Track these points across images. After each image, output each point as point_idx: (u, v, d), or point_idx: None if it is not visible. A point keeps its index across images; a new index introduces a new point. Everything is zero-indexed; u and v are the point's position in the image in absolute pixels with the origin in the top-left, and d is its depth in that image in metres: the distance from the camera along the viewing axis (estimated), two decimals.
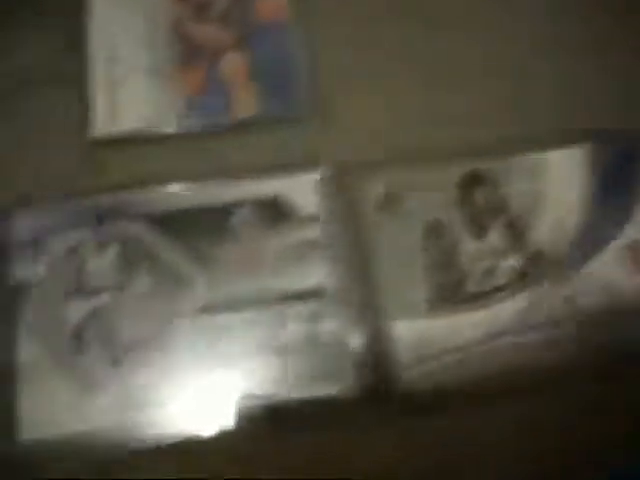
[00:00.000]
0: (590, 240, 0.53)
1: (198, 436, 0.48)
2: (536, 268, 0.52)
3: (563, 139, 0.55)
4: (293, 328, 0.51)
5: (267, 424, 0.48)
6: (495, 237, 0.53)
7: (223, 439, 0.48)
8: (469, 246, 0.52)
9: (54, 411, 0.50)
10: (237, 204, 0.54)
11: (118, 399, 0.50)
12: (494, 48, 0.59)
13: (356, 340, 0.50)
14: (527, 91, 0.58)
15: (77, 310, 0.52)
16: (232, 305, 0.51)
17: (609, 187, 0.55)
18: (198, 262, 0.52)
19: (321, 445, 0.48)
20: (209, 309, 0.51)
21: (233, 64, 0.57)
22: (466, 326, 0.51)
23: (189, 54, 0.57)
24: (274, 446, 0.48)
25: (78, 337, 0.51)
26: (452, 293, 0.51)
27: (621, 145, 0.56)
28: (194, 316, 0.51)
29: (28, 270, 0.53)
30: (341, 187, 0.53)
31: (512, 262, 0.52)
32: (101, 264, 0.53)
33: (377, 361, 0.50)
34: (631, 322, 0.51)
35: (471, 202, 0.54)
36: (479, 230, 0.53)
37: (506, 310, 0.51)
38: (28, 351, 0.51)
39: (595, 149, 0.55)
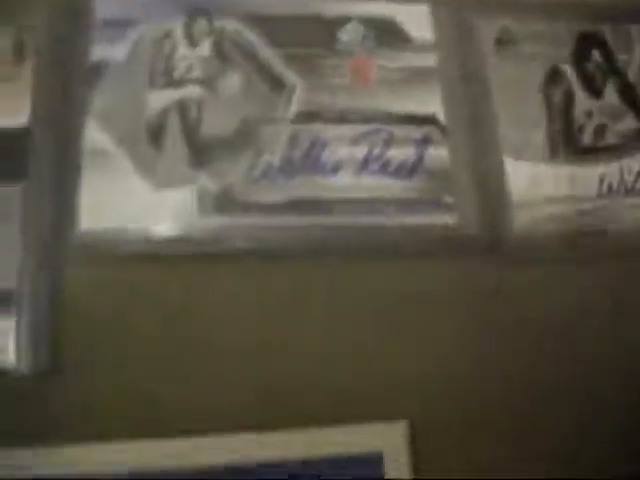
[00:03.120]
0: None
1: None
2: None
3: None
4: (400, 150, 0.47)
5: None
6: (610, 98, 0.50)
7: None
8: (584, 101, 0.50)
9: (118, 203, 0.44)
10: (345, 20, 0.50)
11: (190, 201, 0.45)
12: None
13: (466, 173, 0.47)
14: None
15: (160, 99, 0.47)
16: (334, 117, 0.47)
17: None
18: (300, 69, 0.48)
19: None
20: (308, 117, 0.47)
21: None
22: (582, 178, 0.48)
23: None
24: None
25: (157, 128, 0.46)
26: (569, 142, 0.48)
27: None
28: (289, 123, 0.47)
29: (108, 51, 0.47)
30: (459, 21, 0.50)
31: (626, 125, 0.50)
32: (193, 55, 0.48)
33: (490, 197, 0.46)
34: None
35: (588, 59, 0.51)
36: (594, 88, 0.50)
37: (620, 170, 0.48)
38: (97, 138, 0.45)
39: None
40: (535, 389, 0.44)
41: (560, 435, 0.43)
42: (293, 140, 0.46)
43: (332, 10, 0.50)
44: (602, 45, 0.52)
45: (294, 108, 0.47)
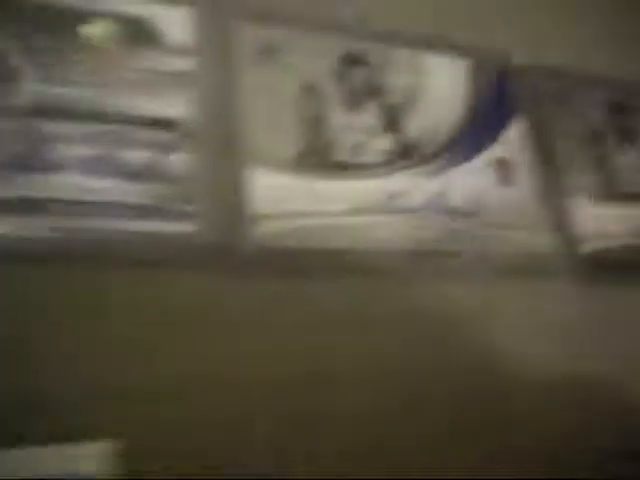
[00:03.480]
0: (464, 146, 0.52)
1: None
2: (406, 156, 0.50)
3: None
4: (138, 154, 0.44)
5: None
6: (369, 116, 0.50)
7: None
8: (340, 117, 0.49)
9: None
10: (97, 15, 0.47)
11: None
12: None
13: (207, 182, 0.45)
14: None
15: None
16: (68, 112, 0.44)
17: (487, 102, 0.55)
18: (39, 61, 0.44)
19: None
20: (38, 112, 0.43)
21: None
22: (329, 193, 0.47)
23: None
24: None
25: None
26: (320, 156, 0.47)
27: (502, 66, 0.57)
28: (17, 116, 0.43)
29: None
30: (219, 26, 0.49)
31: (383, 144, 0.50)
32: None
33: (231, 208, 0.44)
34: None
35: (349, 77, 0.51)
36: (353, 105, 0.50)
37: (374, 188, 0.48)
38: None
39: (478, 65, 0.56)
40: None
41: None
42: (19, 135, 0.43)
43: (83, 3, 0.47)
44: (366, 64, 0.52)
45: (23, 101, 0.43)
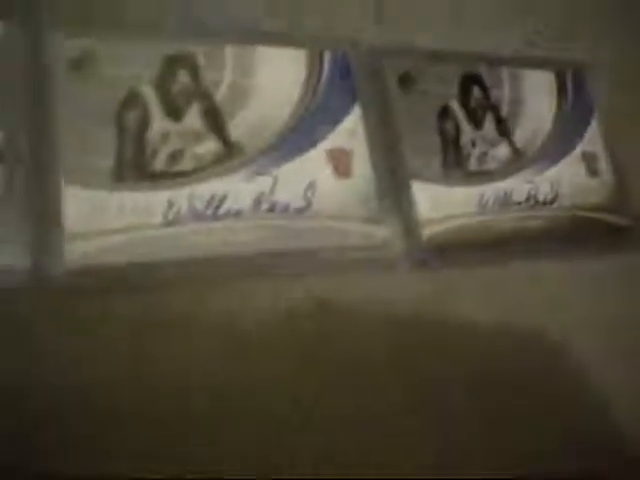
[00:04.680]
0: (297, 139, 0.53)
1: None
2: (229, 158, 0.50)
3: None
4: None
5: None
6: (191, 120, 0.50)
7: None
8: (161, 124, 0.49)
9: None
10: None
11: None
12: None
13: (20, 202, 0.45)
14: None
15: None
16: None
17: (326, 91, 0.55)
18: None
19: None
20: None
21: None
22: (146, 205, 0.47)
23: None
24: None
25: None
26: (137, 168, 0.48)
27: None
28: None
29: None
30: (31, 40, 0.48)
31: (206, 148, 0.50)
32: None
33: (43, 229, 0.45)
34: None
35: (173, 82, 0.51)
36: (174, 111, 0.50)
37: (192, 195, 0.48)
38: None
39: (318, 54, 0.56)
40: None
41: None
42: None
43: None
44: (189, 66, 0.51)
45: None
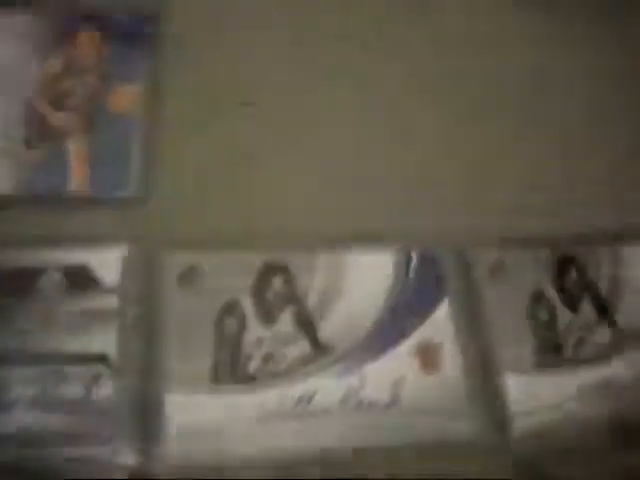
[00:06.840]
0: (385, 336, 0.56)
1: None
2: (319, 360, 0.54)
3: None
4: (71, 388, 0.51)
5: None
6: (284, 325, 0.55)
7: None
8: (255, 331, 0.54)
9: None
10: (45, 268, 0.56)
11: None
12: None
13: (128, 407, 0.51)
14: None
15: None
16: (15, 359, 0.52)
17: (413, 288, 0.58)
18: None
19: None
20: None
21: (76, 146, 0.61)
22: (240, 405, 0.52)
23: (39, 134, 0.62)
24: None
25: None
26: (232, 372, 0.53)
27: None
28: None
29: None
30: (144, 263, 0.56)
31: (296, 352, 0.54)
32: None
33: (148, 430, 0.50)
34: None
35: (268, 289, 0.56)
36: (269, 316, 0.55)
37: (282, 395, 0.52)
38: None
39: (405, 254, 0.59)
40: None
41: None
42: None
43: (36, 262, 0.56)
44: (283, 272, 0.57)
45: None
